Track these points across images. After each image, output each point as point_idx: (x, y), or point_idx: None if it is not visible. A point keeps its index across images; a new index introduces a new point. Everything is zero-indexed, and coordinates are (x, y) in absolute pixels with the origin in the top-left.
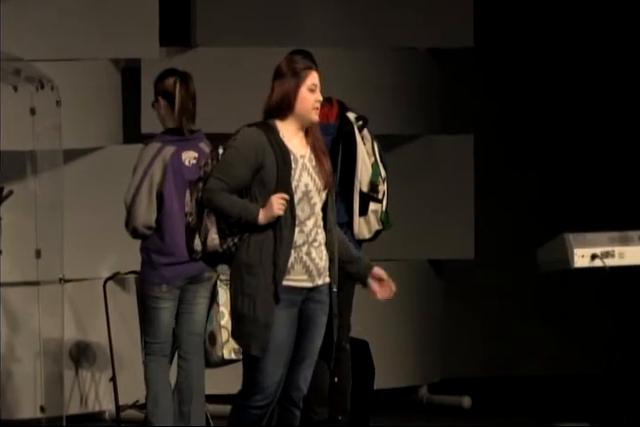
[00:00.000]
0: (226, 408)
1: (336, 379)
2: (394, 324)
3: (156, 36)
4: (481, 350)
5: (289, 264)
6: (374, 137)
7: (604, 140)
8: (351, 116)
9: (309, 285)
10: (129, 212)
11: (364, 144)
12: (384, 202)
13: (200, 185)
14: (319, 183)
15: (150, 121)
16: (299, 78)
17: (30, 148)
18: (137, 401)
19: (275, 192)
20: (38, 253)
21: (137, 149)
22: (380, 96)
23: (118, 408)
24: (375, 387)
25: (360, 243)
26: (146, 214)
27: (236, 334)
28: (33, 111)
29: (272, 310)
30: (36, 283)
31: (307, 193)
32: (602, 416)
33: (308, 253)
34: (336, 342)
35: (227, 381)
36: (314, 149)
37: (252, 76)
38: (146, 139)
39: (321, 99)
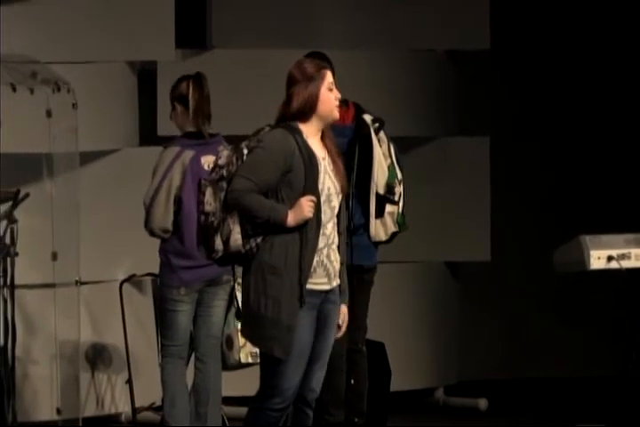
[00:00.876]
0: (242, 410)
1: (352, 381)
2: (410, 326)
3: (171, 38)
4: (497, 352)
5: (312, 268)
6: (390, 139)
7: (620, 141)
8: (367, 118)
9: (328, 287)
10: (147, 214)
11: (381, 146)
12: (400, 204)
13: (223, 184)
14: (337, 186)
15: (166, 123)
16: (317, 80)
17: (46, 150)
18: (153, 403)
19: (303, 195)
20: (54, 256)
21: (153, 151)
22: (397, 98)
23: (134, 410)
24: (391, 389)
25: (376, 245)
26: (162, 218)
27: (254, 335)
28: (49, 114)
29: (296, 313)
30: (53, 285)
31: (329, 196)
32: (618, 418)
33: (328, 256)
34: (352, 345)
35: (243, 383)
36: (330, 152)
37: (267, 77)
38: (162, 141)
39: (340, 96)
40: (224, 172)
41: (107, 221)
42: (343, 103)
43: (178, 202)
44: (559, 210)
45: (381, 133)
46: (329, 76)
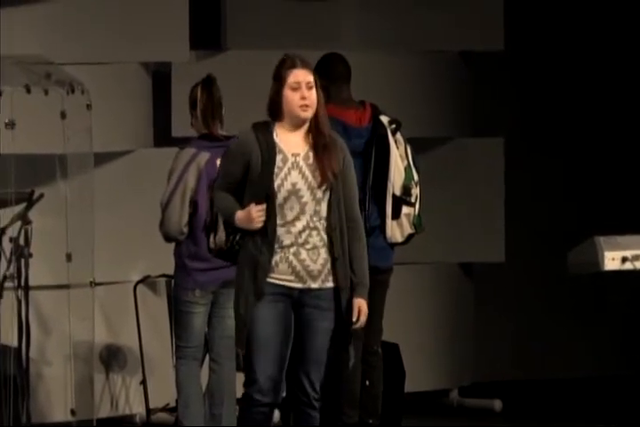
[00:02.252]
0: None
1: (367, 382)
2: (424, 327)
3: (186, 39)
4: (511, 353)
5: (273, 262)
6: (407, 140)
7: (635, 142)
8: (384, 119)
9: (298, 286)
10: (163, 216)
11: (398, 148)
12: (417, 205)
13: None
14: (313, 181)
15: (181, 124)
16: (282, 80)
17: (61, 151)
18: (167, 404)
19: (255, 190)
20: (69, 257)
21: (167, 152)
22: (411, 99)
23: (149, 412)
24: (406, 390)
25: (392, 246)
26: (178, 220)
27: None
28: (63, 115)
29: (252, 306)
30: (67, 286)
31: (294, 192)
32: (633, 418)
33: (297, 254)
34: (367, 346)
35: None
36: (314, 147)
37: None
38: (176, 142)
39: (306, 95)
40: (216, 174)
41: (121, 222)
42: (360, 104)
43: (193, 204)
44: (573, 211)
45: (398, 135)
46: (295, 75)
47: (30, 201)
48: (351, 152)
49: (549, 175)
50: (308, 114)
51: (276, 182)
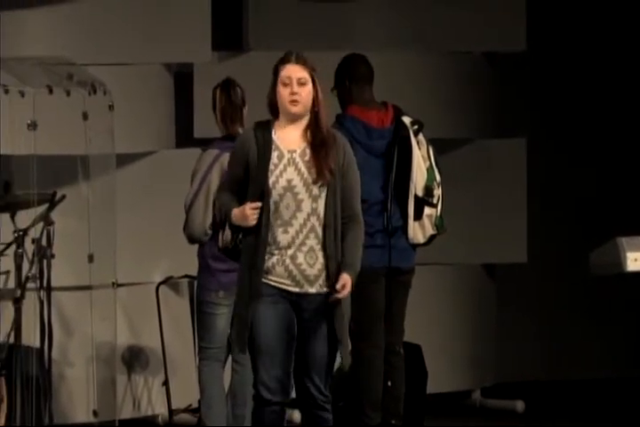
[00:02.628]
0: None
1: (389, 383)
2: (446, 328)
3: (208, 40)
4: (534, 354)
5: (270, 264)
6: (429, 141)
7: None
8: (406, 120)
9: (295, 290)
10: (187, 217)
11: (420, 148)
12: (439, 207)
13: None
14: (309, 177)
15: (203, 125)
16: (275, 76)
17: (83, 152)
18: (190, 405)
19: (252, 187)
20: (91, 258)
21: (189, 153)
22: (434, 100)
23: (171, 412)
24: (428, 391)
25: (414, 247)
26: (202, 221)
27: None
28: (85, 116)
29: (250, 308)
30: (89, 287)
31: (290, 188)
32: None
33: (294, 258)
34: (390, 347)
35: None
36: (311, 144)
37: None
38: (198, 143)
39: (296, 90)
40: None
41: (143, 222)
42: (382, 105)
43: None
44: (596, 211)
45: (420, 136)
46: (286, 70)
47: (52, 202)
48: (373, 153)
49: (572, 176)
50: (297, 109)
51: (271, 179)
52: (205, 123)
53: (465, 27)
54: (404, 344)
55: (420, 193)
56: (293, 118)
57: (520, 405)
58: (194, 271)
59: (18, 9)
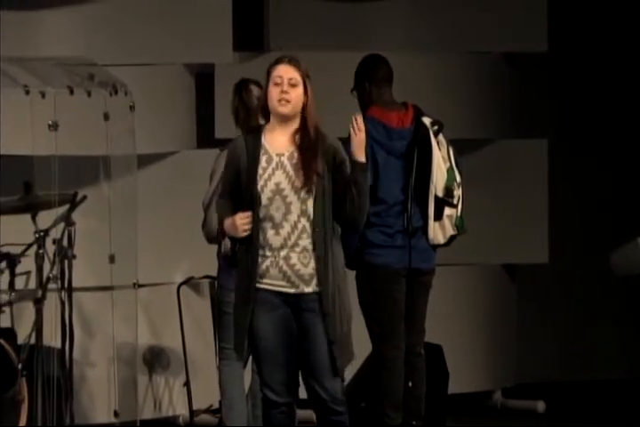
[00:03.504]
0: (299, 413)
1: (410, 383)
2: (468, 328)
3: (229, 40)
4: (555, 355)
5: (264, 267)
6: (449, 142)
7: None
8: (426, 120)
9: (291, 291)
10: (205, 217)
11: (440, 149)
12: (459, 207)
13: None
14: (297, 180)
15: (224, 126)
16: (268, 77)
17: (104, 153)
18: (211, 406)
19: (244, 191)
20: (112, 259)
21: (211, 153)
22: (454, 100)
23: (192, 413)
24: (449, 391)
25: (435, 248)
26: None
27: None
28: (106, 116)
29: (247, 313)
30: (110, 288)
31: (278, 192)
32: None
33: (287, 259)
34: (411, 347)
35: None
36: (299, 147)
37: (324, 80)
38: (219, 143)
39: (286, 90)
40: None
41: (164, 223)
42: (402, 106)
43: None
44: (617, 212)
45: (440, 136)
46: (277, 70)
47: (73, 203)
48: (393, 154)
49: (593, 176)
50: (285, 109)
51: (260, 183)
52: (226, 123)
53: (485, 27)
54: (425, 345)
55: (440, 194)
56: (282, 120)
57: (541, 405)
58: (215, 272)
59: (40, 9)
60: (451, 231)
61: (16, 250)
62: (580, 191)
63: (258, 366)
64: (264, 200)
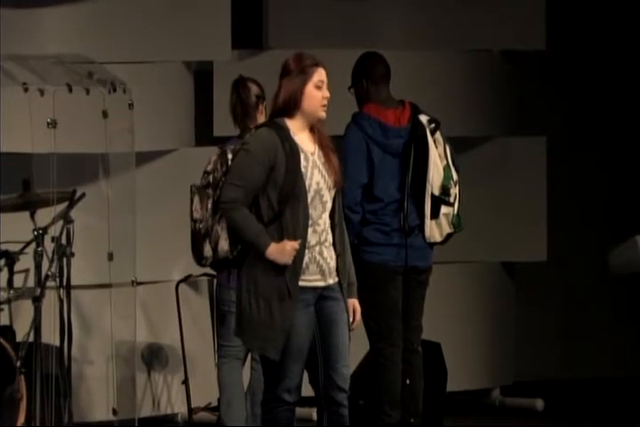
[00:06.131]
0: (299, 411)
1: (408, 381)
2: (466, 326)
3: (228, 38)
4: (554, 353)
5: (304, 265)
6: (446, 140)
7: None
8: (423, 118)
9: (322, 284)
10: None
11: (437, 147)
12: (456, 205)
13: (210, 191)
14: (329, 181)
15: (222, 124)
16: (305, 75)
17: (102, 150)
18: (209, 404)
19: (282, 190)
20: (111, 256)
21: (209, 151)
22: (452, 98)
23: (191, 411)
24: (448, 389)
25: (431, 246)
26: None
27: (247, 336)
28: (105, 114)
29: (289, 312)
30: (109, 285)
31: (318, 191)
32: None
33: (321, 253)
34: (408, 345)
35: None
36: (321, 146)
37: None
38: (218, 141)
39: (328, 95)
40: (210, 178)
41: (163, 221)
42: (399, 104)
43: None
44: (615, 210)
45: (437, 134)
46: (320, 74)
47: (72, 200)
48: (390, 152)
49: (592, 174)
50: (324, 114)
51: (307, 182)
52: (225, 121)
53: (484, 25)
54: (423, 343)
55: (436, 192)
56: (313, 121)
57: (539, 403)
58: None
59: (38, 7)
60: (447, 229)
61: (15, 248)
62: (579, 189)
63: (280, 365)
64: (308, 198)
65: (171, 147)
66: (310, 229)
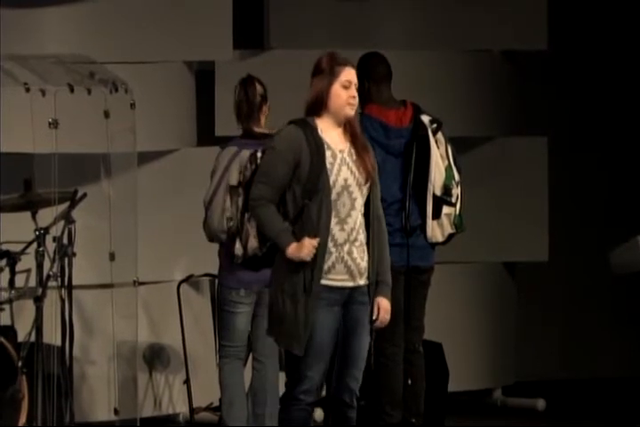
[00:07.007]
0: None
1: (409, 381)
2: (468, 326)
3: (229, 38)
4: (555, 353)
5: (330, 263)
6: (448, 140)
7: None
8: (425, 119)
9: (350, 284)
10: (206, 214)
11: (438, 147)
12: (458, 206)
13: (240, 190)
14: (360, 177)
15: (224, 124)
16: (332, 75)
17: (104, 150)
18: (211, 404)
19: (305, 187)
20: (112, 256)
21: (211, 151)
22: (454, 98)
23: (192, 411)
24: (449, 389)
25: (433, 246)
26: (220, 218)
27: (276, 332)
28: (107, 114)
29: (313, 310)
30: (110, 285)
31: (346, 187)
32: None
33: (350, 253)
34: (409, 345)
35: None
36: (353, 144)
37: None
38: (220, 141)
39: (355, 95)
40: (241, 177)
41: (164, 221)
42: (401, 104)
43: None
44: (617, 210)
45: (439, 134)
46: (347, 73)
47: (74, 200)
48: (391, 152)
49: (593, 174)
50: (353, 112)
51: (331, 178)
52: (227, 121)
53: (485, 25)
54: (425, 343)
55: (438, 192)
56: (342, 120)
57: (541, 403)
58: (215, 270)
59: (39, 7)
60: (449, 230)
61: (16, 248)
62: (580, 189)
63: (300, 363)
64: (333, 195)
65: (172, 147)
66: (338, 227)
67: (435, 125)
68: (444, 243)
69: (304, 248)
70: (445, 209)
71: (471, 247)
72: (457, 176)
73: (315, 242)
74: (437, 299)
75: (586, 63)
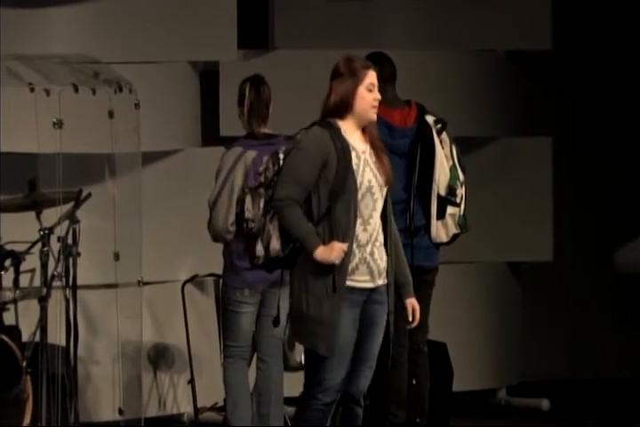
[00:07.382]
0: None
1: (414, 381)
2: (472, 326)
3: (234, 38)
4: (559, 353)
5: (354, 265)
6: (453, 140)
7: None
8: (430, 119)
9: (371, 285)
10: (210, 215)
11: (443, 148)
12: (462, 206)
13: (262, 191)
14: (380, 179)
15: (229, 124)
16: (357, 78)
17: (109, 150)
18: (215, 404)
19: (332, 188)
20: (117, 256)
21: (215, 151)
22: (458, 98)
23: (197, 411)
24: (453, 389)
25: (437, 246)
26: (225, 219)
27: (300, 333)
28: (111, 114)
29: (338, 310)
30: (115, 285)
31: (370, 188)
32: None
33: (372, 254)
34: (414, 345)
35: None
36: (372, 146)
37: (329, 78)
38: (224, 141)
39: (379, 97)
40: (262, 178)
41: (169, 221)
42: (405, 104)
43: (240, 203)
44: (621, 210)
45: (444, 135)
46: (371, 77)
47: (78, 200)
48: (396, 152)
49: (597, 174)
50: (375, 115)
51: (358, 180)
52: (231, 121)
53: (490, 25)
54: (429, 343)
55: (442, 192)
56: (364, 122)
57: (545, 403)
58: (219, 270)
59: (44, 7)
60: (454, 230)
61: (21, 248)
62: (585, 189)
63: (321, 364)
64: (358, 196)
65: (177, 147)
66: (361, 228)
67: (439, 125)
68: (448, 243)
69: (334, 252)
70: (450, 209)
71: (476, 247)
72: (461, 176)
73: (345, 246)
74: (442, 299)
75: (591, 63)
